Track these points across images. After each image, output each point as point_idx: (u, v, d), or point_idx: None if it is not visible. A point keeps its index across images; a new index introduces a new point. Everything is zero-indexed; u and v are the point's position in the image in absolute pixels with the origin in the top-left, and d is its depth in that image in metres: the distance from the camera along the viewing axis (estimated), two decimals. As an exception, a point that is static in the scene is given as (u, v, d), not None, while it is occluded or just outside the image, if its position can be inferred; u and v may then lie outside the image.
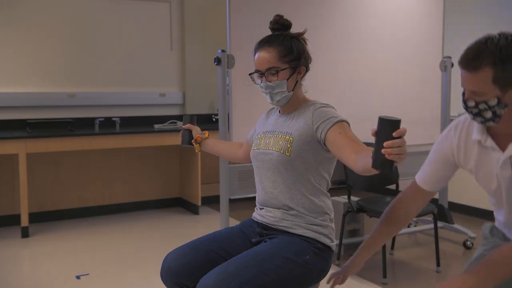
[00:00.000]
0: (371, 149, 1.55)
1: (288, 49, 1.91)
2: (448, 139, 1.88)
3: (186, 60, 5.53)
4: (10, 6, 4.72)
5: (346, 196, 3.68)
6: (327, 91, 3.68)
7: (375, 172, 1.58)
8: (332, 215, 2.04)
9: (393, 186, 3.85)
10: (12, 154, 4.60)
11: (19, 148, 4.28)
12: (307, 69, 2.00)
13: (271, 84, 1.91)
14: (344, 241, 3.72)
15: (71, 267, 3.64)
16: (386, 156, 1.44)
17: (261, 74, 1.93)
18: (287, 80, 1.91)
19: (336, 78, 3.73)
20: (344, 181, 3.64)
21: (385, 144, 1.44)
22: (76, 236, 4.41)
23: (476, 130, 1.75)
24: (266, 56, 1.91)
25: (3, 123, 4.72)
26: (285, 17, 2.01)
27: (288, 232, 1.93)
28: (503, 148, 1.71)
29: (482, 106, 1.61)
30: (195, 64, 5.55)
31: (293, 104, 1.98)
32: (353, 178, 3.60)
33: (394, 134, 1.44)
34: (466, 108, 1.66)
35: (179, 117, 5.50)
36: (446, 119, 4.25)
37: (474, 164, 1.87)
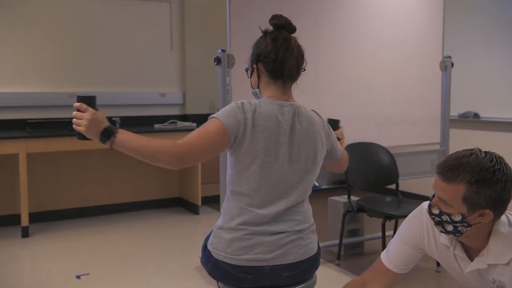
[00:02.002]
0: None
1: (251, 49, 1.95)
2: (417, 221, 1.79)
3: (186, 60, 5.53)
4: (10, 6, 4.72)
5: (346, 196, 3.68)
6: (327, 91, 3.68)
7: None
8: (228, 224, 1.82)
9: (393, 186, 3.85)
10: (12, 154, 4.60)
11: (19, 148, 4.28)
12: (266, 67, 1.87)
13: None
14: (344, 241, 3.72)
15: (71, 267, 3.64)
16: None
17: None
18: (250, 78, 1.97)
19: (336, 78, 3.73)
20: (344, 181, 3.64)
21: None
22: (76, 236, 4.41)
23: (443, 234, 1.70)
24: None
25: (3, 123, 4.72)
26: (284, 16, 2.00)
27: None
28: (470, 257, 1.68)
29: (445, 218, 1.58)
30: (195, 64, 5.55)
31: None
32: (353, 178, 3.60)
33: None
34: (430, 212, 1.63)
35: (180, 117, 5.50)
36: (446, 119, 4.25)
37: (443, 260, 1.83)
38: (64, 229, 4.62)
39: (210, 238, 1.89)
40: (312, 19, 3.58)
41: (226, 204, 1.88)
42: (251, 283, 1.81)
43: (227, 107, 1.81)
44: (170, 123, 5.24)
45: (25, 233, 4.36)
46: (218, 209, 3.42)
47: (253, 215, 1.79)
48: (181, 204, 5.52)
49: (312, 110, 1.94)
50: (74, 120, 1.70)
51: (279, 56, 1.85)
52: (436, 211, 1.60)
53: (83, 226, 4.73)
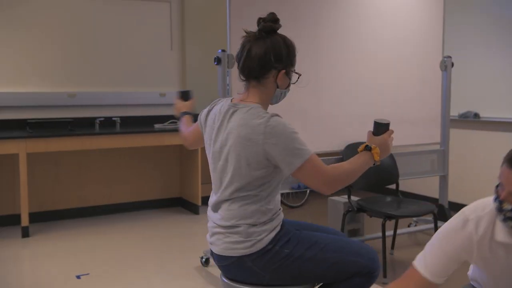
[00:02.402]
0: None
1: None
2: (464, 234, 1.65)
3: (186, 60, 5.53)
4: (10, 6, 4.72)
5: (346, 196, 3.68)
6: (327, 91, 3.68)
7: None
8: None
9: (393, 186, 3.85)
10: (12, 154, 4.60)
11: (19, 148, 4.28)
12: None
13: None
14: (344, 241, 3.71)
15: (71, 267, 3.64)
16: None
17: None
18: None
19: (336, 78, 3.73)
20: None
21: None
22: (76, 236, 4.41)
23: (502, 230, 1.57)
24: None
25: (3, 123, 4.72)
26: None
27: None
28: None
29: None
30: (195, 64, 5.55)
31: None
32: (353, 178, 3.60)
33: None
34: (500, 208, 1.52)
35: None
36: (446, 119, 4.25)
37: (500, 268, 1.66)
38: (64, 229, 4.62)
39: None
40: (312, 19, 3.58)
41: None
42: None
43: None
44: (170, 123, 5.24)
45: (25, 233, 4.36)
46: (218, 209, 3.44)
47: (210, 201, 2.06)
48: (181, 204, 5.52)
49: (276, 116, 1.84)
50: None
51: (238, 56, 1.95)
52: (508, 207, 1.50)
53: (83, 226, 4.73)
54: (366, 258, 2.01)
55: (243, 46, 1.91)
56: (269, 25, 1.89)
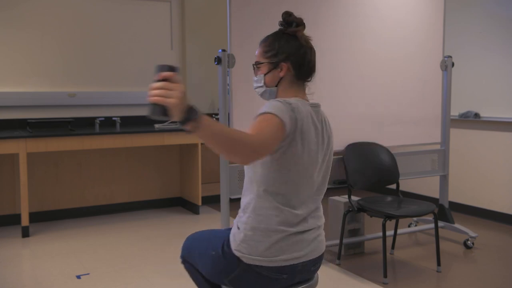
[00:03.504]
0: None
1: (270, 45, 1.91)
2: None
3: (186, 59, 5.53)
4: (10, 6, 4.72)
5: (346, 196, 3.68)
6: (327, 91, 3.68)
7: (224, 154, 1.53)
8: (264, 227, 1.79)
9: (393, 186, 3.85)
10: (12, 153, 4.60)
11: (20, 148, 4.28)
12: (296, 68, 1.88)
13: (254, 78, 1.97)
14: (345, 240, 3.71)
15: (72, 266, 3.63)
16: (150, 99, 1.40)
17: (254, 69, 1.99)
18: (265, 74, 1.92)
19: (336, 78, 3.72)
20: (344, 180, 3.64)
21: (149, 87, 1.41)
22: (76, 235, 4.41)
23: None
24: (257, 52, 1.97)
25: (3, 123, 4.72)
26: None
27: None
28: None
29: None
30: (195, 64, 5.55)
31: None
32: (353, 177, 3.60)
33: (156, 77, 1.42)
34: None
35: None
36: (446, 119, 4.25)
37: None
38: (64, 229, 4.62)
39: (237, 244, 1.80)
40: (312, 19, 3.58)
41: (256, 204, 1.81)
42: (284, 283, 1.84)
43: (275, 104, 1.73)
44: (170, 123, 5.24)
45: (25, 233, 4.36)
46: (218, 209, 3.42)
47: (290, 215, 1.80)
48: (181, 204, 5.52)
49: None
50: (159, 91, 1.42)
51: (312, 59, 1.92)
52: None
53: (83, 226, 4.73)
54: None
55: (310, 49, 1.92)
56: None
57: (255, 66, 1.96)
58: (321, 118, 1.90)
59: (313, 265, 1.89)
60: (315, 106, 1.90)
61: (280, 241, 1.78)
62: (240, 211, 1.91)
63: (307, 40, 1.92)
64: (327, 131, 1.92)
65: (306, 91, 1.96)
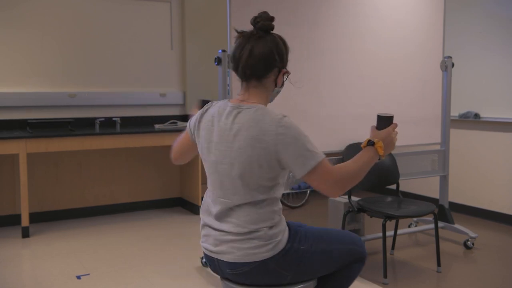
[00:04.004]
0: None
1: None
2: None
3: (186, 60, 5.53)
4: (10, 6, 4.72)
5: (346, 196, 3.68)
6: (327, 91, 3.68)
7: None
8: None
9: (393, 186, 3.85)
10: (12, 154, 4.60)
11: (20, 148, 4.28)
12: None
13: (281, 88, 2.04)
14: (345, 241, 3.71)
15: (72, 267, 3.63)
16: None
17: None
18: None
19: (336, 78, 3.72)
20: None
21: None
22: (76, 236, 4.41)
23: None
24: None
25: (3, 123, 4.72)
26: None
27: None
28: None
29: None
30: (195, 64, 5.55)
31: None
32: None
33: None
34: None
35: (180, 117, 5.50)
36: (446, 119, 4.25)
37: None
38: (65, 229, 4.62)
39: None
40: (312, 19, 3.58)
41: None
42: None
43: None
44: (171, 123, 5.24)
45: (26, 233, 4.36)
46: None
47: (208, 207, 1.98)
48: (181, 204, 5.52)
49: (285, 116, 1.82)
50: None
51: (235, 55, 1.90)
52: None
53: (83, 226, 4.73)
54: (359, 245, 2.07)
55: (242, 45, 1.87)
56: (268, 23, 1.89)
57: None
58: (228, 117, 1.87)
59: (230, 268, 1.91)
60: (231, 107, 1.89)
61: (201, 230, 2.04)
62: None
63: (238, 38, 1.91)
64: (232, 132, 1.84)
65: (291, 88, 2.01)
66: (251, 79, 1.89)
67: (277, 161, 1.80)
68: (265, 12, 1.92)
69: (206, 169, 1.98)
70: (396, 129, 1.96)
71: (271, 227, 1.86)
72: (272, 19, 1.91)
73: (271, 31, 1.91)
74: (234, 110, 1.87)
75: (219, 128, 1.88)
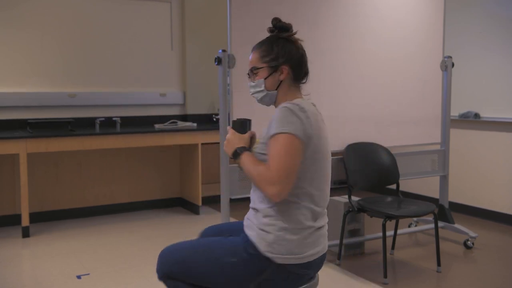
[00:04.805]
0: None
1: (268, 49, 1.96)
2: None
3: (186, 60, 5.53)
4: (10, 6, 4.72)
5: (346, 196, 3.68)
6: (327, 91, 3.68)
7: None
8: (293, 225, 1.83)
9: (393, 186, 3.85)
10: (12, 154, 4.60)
11: (20, 148, 4.28)
12: (295, 70, 1.95)
13: (252, 83, 2.01)
14: (345, 241, 3.72)
15: (72, 267, 3.63)
16: None
17: (248, 75, 2.02)
18: (265, 79, 1.96)
19: (336, 78, 3.72)
20: (344, 181, 3.64)
21: None
22: (76, 236, 4.41)
23: None
24: (251, 57, 2.01)
25: (3, 123, 4.72)
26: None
27: (245, 231, 1.94)
28: None
29: None
30: (195, 64, 5.55)
31: (278, 104, 1.98)
32: (353, 178, 3.60)
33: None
34: None
35: (180, 117, 5.50)
36: (446, 119, 4.25)
37: None
38: (65, 229, 4.62)
39: (268, 245, 1.81)
40: (312, 19, 3.58)
41: (281, 206, 1.83)
42: (306, 279, 1.93)
43: (288, 117, 1.80)
44: (171, 123, 5.24)
45: (26, 233, 4.36)
46: (219, 209, 3.42)
47: (315, 211, 1.88)
48: (181, 204, 5.52)
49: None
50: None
51: (306, 62, 2.00)
52: None
53: (83, 226, 4.73)
54: None
55: (303, 51, 2.00)
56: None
57: (252, 71, 1.99)
58: (321, 117, 1.96)
59: (324, 259, 1.97)
60: (314, 105, 1.97)
61: (308, 237, 1.85)
62: (257, 213, 1.89)
63: (300, 43, 2.01)
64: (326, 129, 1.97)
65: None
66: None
67: None
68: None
69: (321, 168, 1.87)
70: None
71: None
72: (279, 23, 2.04)
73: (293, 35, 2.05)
74: (315, 107, 1.97)
75: (324, 126, 1.95)
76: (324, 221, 1.95)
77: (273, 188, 1.74)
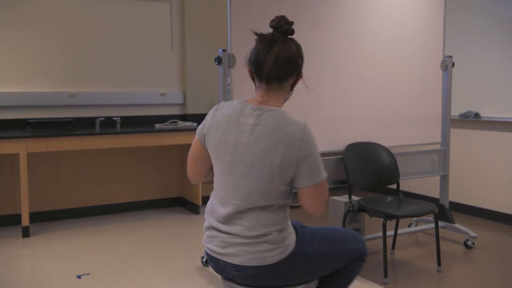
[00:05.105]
0: None
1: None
2: None
3: (186, 59, 5.53)
4: (10, 6, 4.72)
5: (347, 196, 3.68)
6: (327, 91, 3.68)
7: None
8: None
9: (393, 186, 3.85)
10: (13, 153, 4.60)
11: (20, 148, 4.28)
12: (254, 70, 1.92)
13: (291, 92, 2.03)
14: (345, 240, 3.71)
15: (72, 266, 3.63)
16: None
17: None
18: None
19: (336, 78, 3.72)
20: (345, 180, 3.64)
21: None
22: (76, 235, 4.41)
23: None
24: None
25: (4, 123, 4.72)
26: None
27: None
28: None
29: None
30: (195, 64, 5.55)
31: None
32: (354, 178, 3.60)
33: None
34: None
35: (180, 117, 5.50)
36: (446, 119, 4.25)
37: None
38: (65, 229, 4.62)
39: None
40: (312, 19, 3.58)
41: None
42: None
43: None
44: (171, 123, 5.24)
45: (26, 233, 4.36)
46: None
47: (214, 209, 1.94)
48: (181, 204, 5.51)
49: (306, 123, 1.83)
50: None
51: (259, 58, 1.86)
52: None
53: (83, 226, 4.73)
54: (360, 243, 2.09)
55: (266, 48, 1.85)
56: (291, 28, 1.90)
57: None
58: (251, 119, 1.84)
59: (239, 271, 1.89)
60: (252, 109, 1.86)
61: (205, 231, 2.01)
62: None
63: (260, 40, 1.89)
64: (254, 135, 1.82)
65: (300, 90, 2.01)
66: (273, 82, 1.88)
67: (296, 166, 1.81)
68: (283, 16, 1.91)
69: (218, 170, 1.91)
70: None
71: (280, 231, 1.86)
72: (292, 23, 1.91)
73: (258, 34, 1.90)
74: (255, 111, 1.85)
75: (238, 129, 1.84)
76: (228, 228, 1.88)
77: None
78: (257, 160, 1.81)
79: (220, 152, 1.88)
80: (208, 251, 1.96)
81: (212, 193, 1.98)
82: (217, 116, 1.90)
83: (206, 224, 1.98)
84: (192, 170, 2.02)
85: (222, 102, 1.95)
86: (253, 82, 1.95)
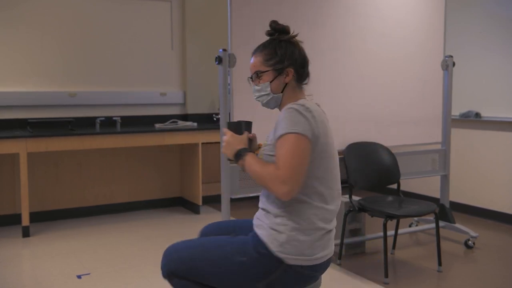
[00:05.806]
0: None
1: (271, 53, 1.96)
2: None
3: (187, 59, 5.53)
4: (10, 6, 4.72)
5: (347, 196, 3.68)
6: (328, 91, 3.67)
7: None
8: (305, 226, 1.83)
9: (394, 186, 3.85)
10: (13, 153, 4.60)
11: (20, 148, 4.28)
12: (299, 72, 1.98)
13: (256, 87, 2.00)
14: (346, 240, 3.71)
15: (72, 266, 3.63)
16: None
17: (251, 79, 2.02)
18: (271, 82, 1.96)
19: (336, 78, 3.72)
20: (345, 180, 3.64)
21: None
22: (77, 235, 4.41)
23: None
24: (253, 61, 2.01)
25: (4, 123, 4.72)
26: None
27: (255, 230, 1.93)
28: None
29: None
30: (196, 64, 5.55)
31: (283, 106, 1.98)
32: (354, 177, 3.60)
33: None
34: None
35: (180, 117, 5.49)
36: (447, 119, 4.25)
37: None
38: (65, 229, 4.61)
39: (280, 245, 1.81)
40: (312, 19, 3.58)
41: (295, 206, 1.84)
42: (313, 281, 1.94)
43: (294, 117, 1.80)
44: (171, 122, 5.24)
45: (26, 233, 4.36)
46: (219, 208, 3.42)
47: (326, 212, 1.88)
48: (181, 204, 5.51)
49: None
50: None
51: (308, 63, 2.02)
52: None
53: (83, 226, 4.73)
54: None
55: (305, 52, 2.02)
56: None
57: (256, 75, 1.99)
58: (325, 115, 1.97)
59: (330, 262, 1.97)
60: (318, 105, 1.97)
61: (319, 239, 1.86)
62: (267, 214, 1.89)
63: (301, 45, 2.04)
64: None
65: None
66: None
67: None
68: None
69: (329, 167, 1.88)
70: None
71: None
72: (278, 25, 2.06)
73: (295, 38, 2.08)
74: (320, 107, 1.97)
75: (329, 125, 1.94)
76: (334, 223, 1.95)
77: (283, 187, 1.73)
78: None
79: (331, 150, 1.92)
80: (322, 260, 1.89)
81: (302, 198, 1.84)
82: (318, 117, 1.85)
83: (317, 234, 1.86)
84: (301, 182, 1.80)
85: (300, 105, 1.85)
86: (282, 85, 1.97)
